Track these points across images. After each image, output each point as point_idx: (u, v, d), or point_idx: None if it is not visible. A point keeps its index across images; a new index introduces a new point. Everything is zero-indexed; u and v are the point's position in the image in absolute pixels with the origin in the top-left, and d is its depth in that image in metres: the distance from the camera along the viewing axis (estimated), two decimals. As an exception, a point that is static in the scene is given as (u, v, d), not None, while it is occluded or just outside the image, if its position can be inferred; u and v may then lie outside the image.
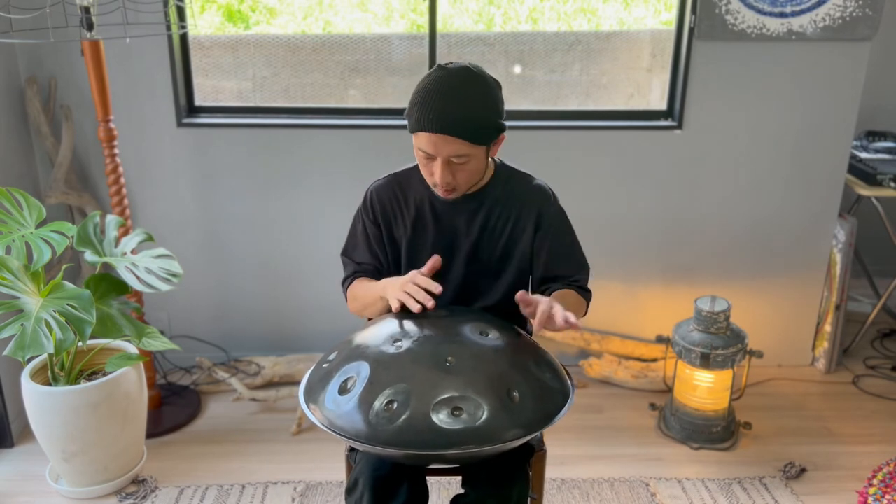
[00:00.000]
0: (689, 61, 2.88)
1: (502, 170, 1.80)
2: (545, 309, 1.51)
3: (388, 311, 1.72)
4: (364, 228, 1.84)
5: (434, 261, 1.66)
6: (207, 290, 3.13)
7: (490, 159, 1.78)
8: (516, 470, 1.65)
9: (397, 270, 1.85)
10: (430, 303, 1.58)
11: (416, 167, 1.77)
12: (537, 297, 1.57)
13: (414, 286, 1.61)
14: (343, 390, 1.47)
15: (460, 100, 1.58)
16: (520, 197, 1.78)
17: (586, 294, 1.82)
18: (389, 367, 1.47)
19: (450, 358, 1.47)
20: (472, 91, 1.59)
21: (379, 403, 1.42)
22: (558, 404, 1.52)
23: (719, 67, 2.88)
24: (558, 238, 1.80)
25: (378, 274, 1.85)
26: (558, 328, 1.50)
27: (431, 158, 1.63)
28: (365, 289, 1.80)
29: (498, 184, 1.78)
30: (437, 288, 1.60)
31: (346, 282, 1.88)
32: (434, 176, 1.65)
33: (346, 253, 1.89)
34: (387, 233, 1.83)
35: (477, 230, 1.77)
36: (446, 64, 1.63)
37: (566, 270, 1.81)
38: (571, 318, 1.49)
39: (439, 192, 1.70)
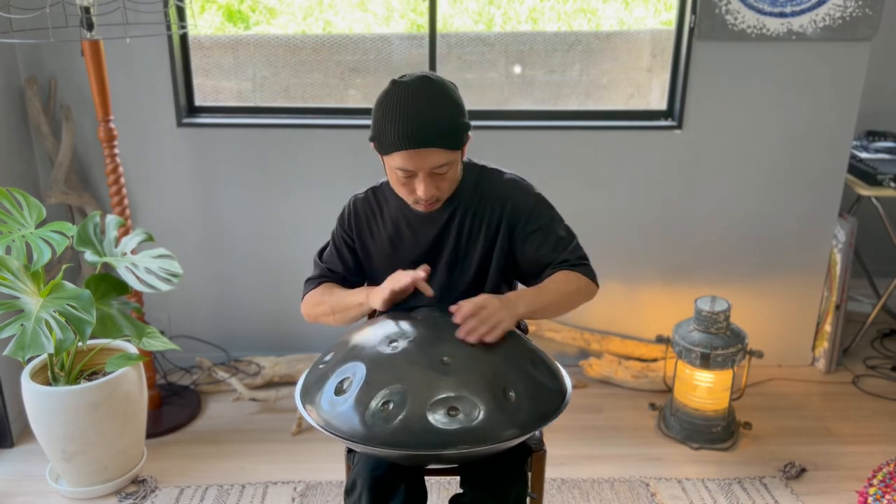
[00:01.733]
0: (689, 61, 2.87)
1: (470, 169, 1.76)
2: (465, 312, 1.55)
3: (358, 319, 1.77)
4: (338, 238, 1.85)
5: (421, 271, 1.66)
6: (207, 290, 3.14)
7: None
8: (514, 470, 1.65)
9: (370, 282, 1.84)
10: (420, 272, 1.63)
11: (388, 183, 1.75)
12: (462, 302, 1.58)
13: (399, 279, 1.64)
14: (339, 391, 1.47)
15: (430, 109, 1.55)
16: (492, 195, 1.74)
17: (580, 268, 1.72)
18: (385, 368, 1.47)
19: (445, 358, 1.47)
20: (438, 97, 1.56)
21: (375, 404, 1.42)
22: (555, 404, 1.51)
23: (719, 67, 2.88)
24: (537, 226, 1.73)
25: (344, 282, 1.84)
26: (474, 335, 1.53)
27: (412, 176, 1.60)
28: (338, 296, 1.78)
29: (468, 185, 1.74)
30: (425, 268, 1.66)
31: (311, 283, 1.86)
32: (417, 192, 1.62)
33: (319, 255, 1.89)
34: (361, 246, 1.82)
35: (454, 236, 1.74)
36: (400, 78, 1.59)
37: (552, 256, 1.74)
38: (471, 337, 1.52)
39: (421, 207, 1.67)
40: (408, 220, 1.76)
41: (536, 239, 1.73)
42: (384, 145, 1.58)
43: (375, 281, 1.77)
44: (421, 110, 1.54)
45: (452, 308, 1.57)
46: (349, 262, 1.84)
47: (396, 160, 1.58)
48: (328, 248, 1.88)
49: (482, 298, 1.58)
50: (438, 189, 1.64)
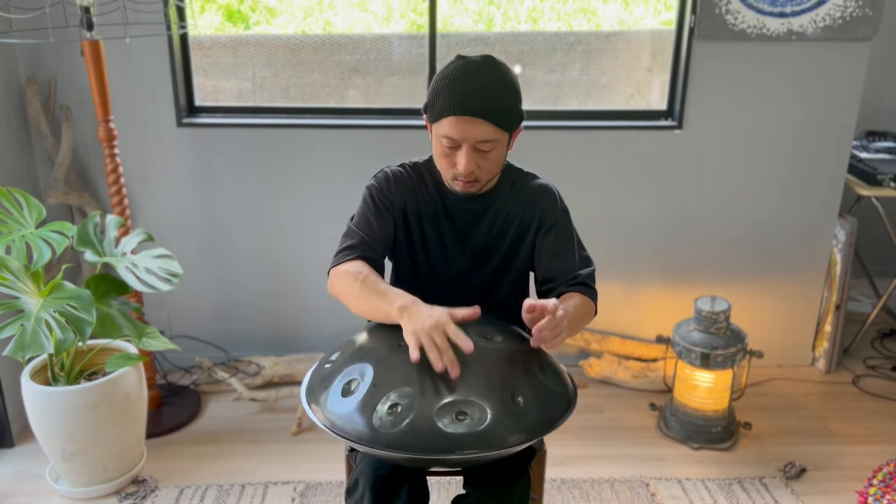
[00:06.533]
0: (689, 61, 2.88)
1: (509, 171, 1.80)
2: (548, 321, 1.51)
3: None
4: (371, 205, 1.74)
5: (473, 312, 1.52)
6: (207, 290, 3.13)
7: None
8: (518, 471, 1.65)
9: (392, 254, 1.81)
10: (455, 371, 1.42)
11: (427, 163, 1.78)
12: (542, 302, 1.52)
13: (443, 338, 1.45)
14: (346, 392, 1.47)
15: (487, 84, 1.58)
16: (525, 197, 1.78)
17: (591, 292, 1.77)
18: (393, 370, 1.46)
19: None
20: (498, 76, 1.60)
21: (383, 406, 1.41)
22: (561, 409, 1.51)
23: (719, 67, 2.88)
24: (559, 236, 1.78)
25: (372, 258, 1.71)
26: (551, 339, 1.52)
27: (456, 147, 1.61)
28: (369, 288, 1.60)
29: (505, 185, 1.78)
30: (468, 345, 1.44)
31: (348, 252, 1.70)
32: (458, 165, 1.62)
33: (352, 223, 1.77)
34: (399, 214, 1.76)
35: (483, 231, 1.77)
36: (465, 55, 1.63)
37: (565, 268, 1.77)
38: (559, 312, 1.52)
39: (458, 185, 1.66)
40: (444, 203, 1.77)
41: (552, 247, 1.77)
42: (435, 111, 1.60)
43: (397, 255, 1.80)
44: (478, 81, 1.58)
45: (529, 306, 1.52)
46: (384, 229, 1.74)
47: (444, 127, 1.60)
48: (361, 217, 1.75)
49: (562, 314, 1.54)
50: (479, 167, 1.64)
